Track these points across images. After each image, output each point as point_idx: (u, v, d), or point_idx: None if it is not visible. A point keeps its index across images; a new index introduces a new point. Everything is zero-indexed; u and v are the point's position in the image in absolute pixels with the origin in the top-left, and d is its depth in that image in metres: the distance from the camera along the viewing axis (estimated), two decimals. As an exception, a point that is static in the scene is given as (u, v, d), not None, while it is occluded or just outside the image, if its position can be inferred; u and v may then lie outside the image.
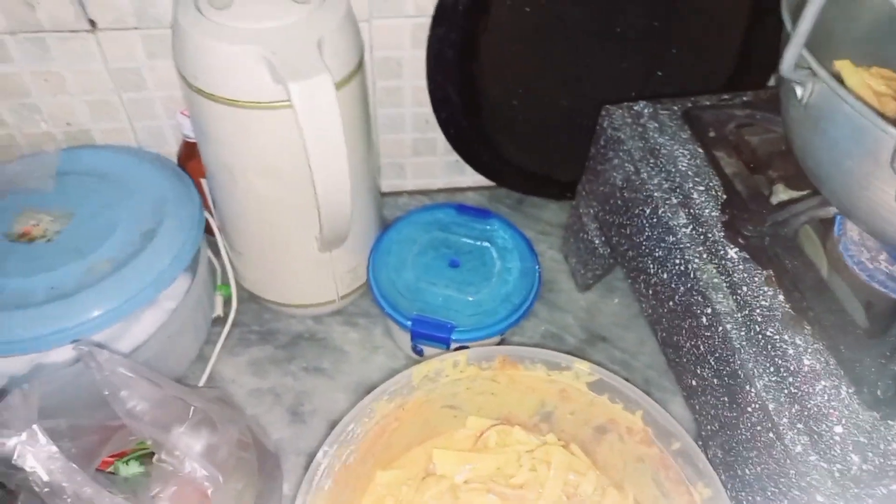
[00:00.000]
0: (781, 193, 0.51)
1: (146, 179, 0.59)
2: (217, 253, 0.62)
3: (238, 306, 0.62)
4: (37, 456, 0.31)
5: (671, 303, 0.47)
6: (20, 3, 0.54)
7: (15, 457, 0.31)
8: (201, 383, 0.57)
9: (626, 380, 0.44)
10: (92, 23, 0.56)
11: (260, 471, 0.42)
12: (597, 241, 0.61)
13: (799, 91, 0.36)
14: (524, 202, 0.76)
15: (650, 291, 0.50)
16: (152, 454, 0.44)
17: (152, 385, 0.38)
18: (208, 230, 0.59)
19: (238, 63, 0.44)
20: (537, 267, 0.60)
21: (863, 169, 0.34)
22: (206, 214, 0.60)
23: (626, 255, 0.54)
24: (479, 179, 0.74)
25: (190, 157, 0.63)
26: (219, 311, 0.62)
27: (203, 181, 0.63)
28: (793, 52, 0.34)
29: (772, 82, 0.70)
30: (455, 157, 0.71)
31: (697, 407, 0.45)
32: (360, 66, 0.50)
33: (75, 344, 0.40)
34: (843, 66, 0.49)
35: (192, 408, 0.37)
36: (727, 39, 0.66)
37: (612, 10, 0.61)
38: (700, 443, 0.45)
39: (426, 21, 0.60)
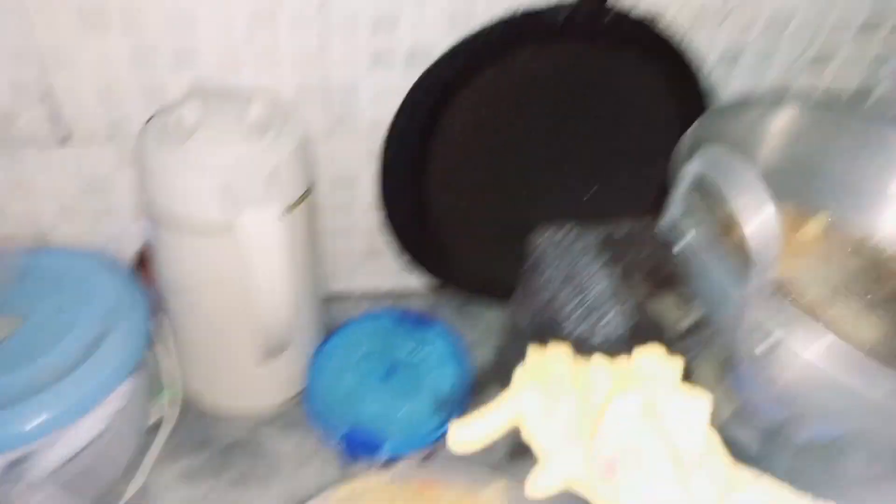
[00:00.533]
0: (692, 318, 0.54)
1: (100, 285, 0.61)
2: (160, 358, 0.63)
3: (177, 412, 0.63)
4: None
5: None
6: (-1, 116, 0.58)
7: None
8: (131, 492, 0.58)
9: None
10: (65, 137, 0.60)
11: None
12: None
13: (677, 245, 0.39)
14: (469, 304, 0.79)
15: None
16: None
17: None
18: (156, 334, 0.61)
19: (189, 191, 0.48)
20: (469, 379, 0.62)
21: (729, 318, 0.37)
22: (157, 318, 0.62)
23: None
24: (427, 282, 0.77)
25: (147, 262, 0.65)
26: (156, 417, 0.63)
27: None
28: (669, 218, 0.38)
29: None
30: (403, 261, 0.74)
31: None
32: (310, 189, 0.54)
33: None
34: (786, 217, 0.53)
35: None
36: (657, 164, 0.70)
37: (553, 134, 0.66)
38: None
39: (378, 142, 0.64)
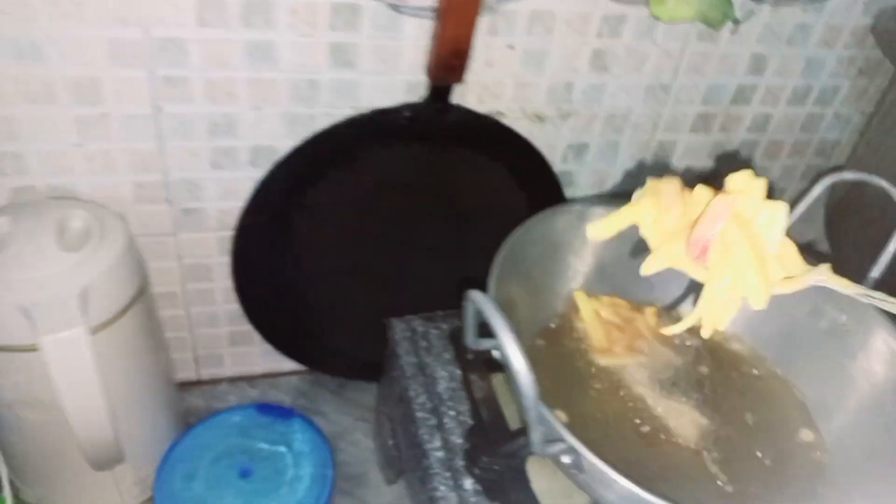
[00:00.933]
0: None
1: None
2: None
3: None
4: None
5: (430, 527, 0.49)
6: None
7: None
8: None
9: None
10: None
11: None
12: (390, 443, 0.63)
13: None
14: (346, 386, 0.78)
15: (419, 507, 0.52)
16: None
17: None
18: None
19: (-4, 311, 0.45)
20: (331, 472, 0.61)
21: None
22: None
23: (406, 465, 0.56)
24: (299, 366, 0.76)
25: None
26: (-3, 529, 0.59)
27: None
28: (468, 334, 0.39)
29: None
30: (272, 346, 0.73)
31: None
32: (137, 294, 0.52)
33: None
34: (578, 297, 0.56)
35: None
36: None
37: (407, 225, 0.67)
38: None
39: (229, 234, 0.64)
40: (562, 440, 0.35)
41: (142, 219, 0.61)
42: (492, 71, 0.59)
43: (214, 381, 0.76)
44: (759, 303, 0.42)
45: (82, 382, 0.45)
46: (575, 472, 0.37)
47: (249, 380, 0.77)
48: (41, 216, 0.51)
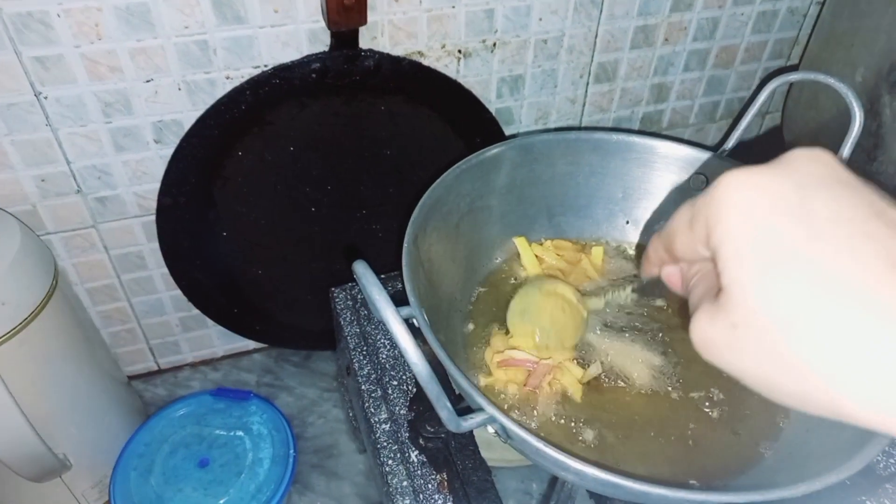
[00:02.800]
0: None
1: None
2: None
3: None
4: None
5: (384, 497, 0.47)
6: None
7: None
8: None
9: None
10: None
11: None
12: (351, 414, 0.61)
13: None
14: (311, 357, 0.76)
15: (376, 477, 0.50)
16: None
17: None
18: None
19: None
20: (292, 452, 0.59)
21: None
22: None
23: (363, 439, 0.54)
24: (257, 342, 0.74)
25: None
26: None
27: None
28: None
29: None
30: (224, 327, 0.70)
31: None
32: (51, 289, 0.49)
33: None
34: (519, 243, 0.52)
35: None
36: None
37: (343, 185, 0.63)
38: None
39: (153, 217, 0.60)
40: (481, 410, 0.32)
41: (56, 214, 0.57)
42: (399, 7, 0.54)
43: (175, 369, 0.74)
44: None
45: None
46: (506, 439, 0.34)
47: (211, 363, 0.75)
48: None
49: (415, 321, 0.38)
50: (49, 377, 0.50)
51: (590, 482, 0.32)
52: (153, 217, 0.60)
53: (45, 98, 0.50)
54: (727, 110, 0.75)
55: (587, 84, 0.66)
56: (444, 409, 0.31)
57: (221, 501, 0.55)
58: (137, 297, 0.66)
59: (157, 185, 0.58)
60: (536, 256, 0.51)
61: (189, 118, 0.55)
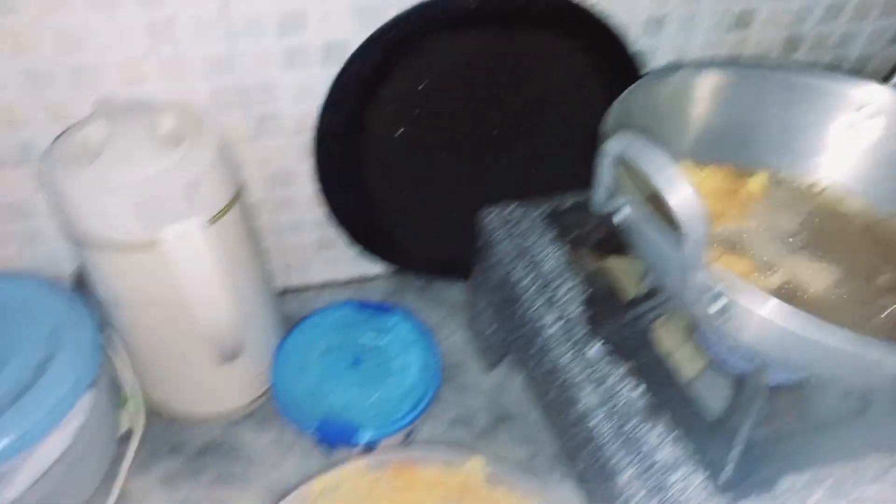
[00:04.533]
0: (632, 288, 0.55)
1: (41, 306, 0.59)
2: (119, 369, 0.62)
3: (145, 420, 0.62)
4: None
5: (550, 395, 0.50)
6: None
7: None
8: (113, 502, 0.57)
9: (531, 460, 0.46)
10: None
11: None
12: (490, 329, 0.64)
13: (615, 218, 0.40)
14: (431, 285, 0.79)
15: (534, 383, 0.54)
16: None
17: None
18: (111, 345, 0.60)
19: (110, 211, 0.46)
20: (437, 359, 0.62)
21: (676, 283, 0.38)
22: (109, 332, 0.60)
23: (513, 345, 0.57)
24: (385, 267, 0.77)
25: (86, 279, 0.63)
26: (125, 426, 0.62)
27: (103, 302, 0.63)
28: (600, 196, 0.39)
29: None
30: (356, 251, 0.73)
31: (587, 493, 0.48)
32: (238, 193, 0.53)
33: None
34: (686, 167, 0.54)
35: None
36: (590, 136, 0.71)
37: (482, 118, 0.66)
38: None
39: (309, 137, 0.63)
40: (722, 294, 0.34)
41: (220, 127, 0.60)
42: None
43: (303, 289, 0.78)
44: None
45: (203, 272, 0.46)
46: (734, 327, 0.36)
47: (337, 285, 0.79)
48: (132, 120, 0.51)
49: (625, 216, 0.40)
50: (232, 266, 0.54)
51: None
52: (309, 136, 0.63)
53: (230, 11, 0.53)
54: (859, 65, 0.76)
55: (726, 30, 0.67)
56: (699, 275, 0.33)
57: (373, 397, 0.59)
58: (280, 216, 0.70)
59: (317, 104, 0.61)
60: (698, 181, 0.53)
61: (356, 40, 0.57)
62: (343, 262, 0.77)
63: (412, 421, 0.58)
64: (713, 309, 0.36)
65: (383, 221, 0.71)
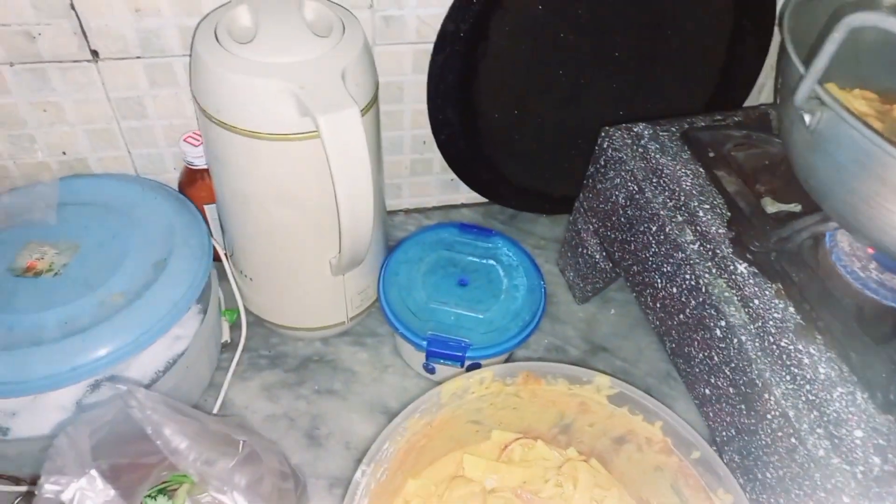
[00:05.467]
0: (770, 206, 0.54)
1: (150, 208, 0.59)
2: (222, 278, 0.62)
3: (245, 331, 0.61)
4: (95, 501, 0.31)
5: (682, 316, 0.49)
6: (20, 34, 0.53)
7: (74, 502, 0.31)
8: (215, 411, 0.57)
9: None
10: (94, 53, 0.56)
11: (298, 500, 0.42)
12: (597, 256, 0.63)
13: (808, 118, 0.39)
14: (517, 217, 0.78)
15: (658, 305, 0.53)
16: (176, 488, 0.44)
17: (192, 420, 0.38)
18: (214, 256, 0.59)
19: (264, 97, 0.44)
20: (543, 283, 0.61)
21: (870, 190, 0.37)
22: (212, 240, 0.60)
23: (630, 269, 0.56)
24: (472, 196, 0.76)
25: (191, 183, 0.62)
26: (226, 336, 0.62)
27: (206, 207, 0.62)
28: (808, 85, 0.37)
29: (749, 101, 0.74)
30: (450, 175, 0.72)
31: (711, 414, 0.48)
32: (377, 94, 0.51)
33: (112, 383, 0.40)
34: (830, 90, 0.52)
35: (241, 441, 0.38)
36: (709, 60, 0.69)
37: (603, 34, 0.64)
38: (715, 448, 0.47)
39: (427, 47, 0.61)
40: None
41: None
42: None
43: (392, 212, 0.77)
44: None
45: (355, 165, 0.44)
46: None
47: (424, 211, 0.78)
48: (277, 7, 0.50)
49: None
50: (373, 167, 0.52)
51: None
52: (426, 46, 0.61)
53: None
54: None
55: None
56: None
57: (483, 317, 0.58)
58: (384, 132, 0.68)
59: (442, 11, 0.59)
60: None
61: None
62: (433, 188, 0.76)
63: (522, 341, 0.58)
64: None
65: (484, 146, 0.69)
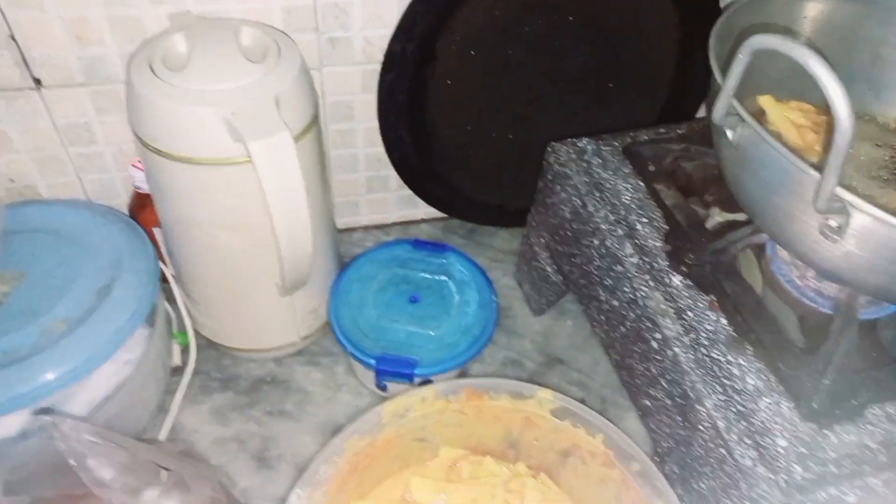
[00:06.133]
0: (717, 216, 0.55)
1: (99, 233, 0.58)
2: (172, 301, 0.62)
3: (195, 354, 0.61)
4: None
5: (623, 328, 0.50)
6: (-39, 65, 0.54)
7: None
8: (163, 436, 0.57)
9: (583, 401, 0.46)
10: (37, 81, 0.56)
11: (235, 525, 0.42)
12: (549, 269, 0.63)
13: (730, 134, 0.39)
14: (476, 231, 0.79)
15: (602, 317, 0.53)
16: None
17: (119, 449, 0.38)
18: (163, 279, 0.59)
19: (197, 123, 0.45)
20: (495, 298, 0.62)
21: (789, 204, 0.38)
22: (160, 264, 0.60)
23: (577, 282, 0.57)
24: (431, 211, 0.76)
25: (142, 207, 0.62)
26: (177, 360, 0.62)
27: (156, 231, 0.62)
28: (723, 103, 0.38)
29: (701, 112, 0.75)
30: (408, 191, 0.73)
31: (652, 425, 0.48)
32: (315, 117, 0.52)
33: (37, 414, 0.39)
34: (766, 102, 0.53)
35: (164, 472, 0.37)
36: (660, 73, 0.70)
37: (553, 53, 0.64)
38: (656, 459, 0.48)
39: (376, 67, 0.62)
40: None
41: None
42: None
43: (349, 230, 0.77)
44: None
45: (290, 189, 0.45)
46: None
47: (383, 227, 0.78)
48: (211, 35, 0.50)
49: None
50: (312, 190, 0.53)
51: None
52: (374, 67, 0.62)
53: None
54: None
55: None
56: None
57: (433, 333, 0.58)
58: (336, 151, 0.69)
59: (388, 32, 0.60)
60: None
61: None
62: (390, 204, 0.76)
63: (472, 357, 0.58)
64: (834, 223, 0.35)
65: (438, 163, 0.70)
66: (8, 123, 0.58)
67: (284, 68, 0.48)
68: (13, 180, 0.62)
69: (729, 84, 0.37)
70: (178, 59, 0.48)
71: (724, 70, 0.42)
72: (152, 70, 0.47)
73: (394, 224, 0.78)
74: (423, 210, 0.77)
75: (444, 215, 0.77)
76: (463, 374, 0.62)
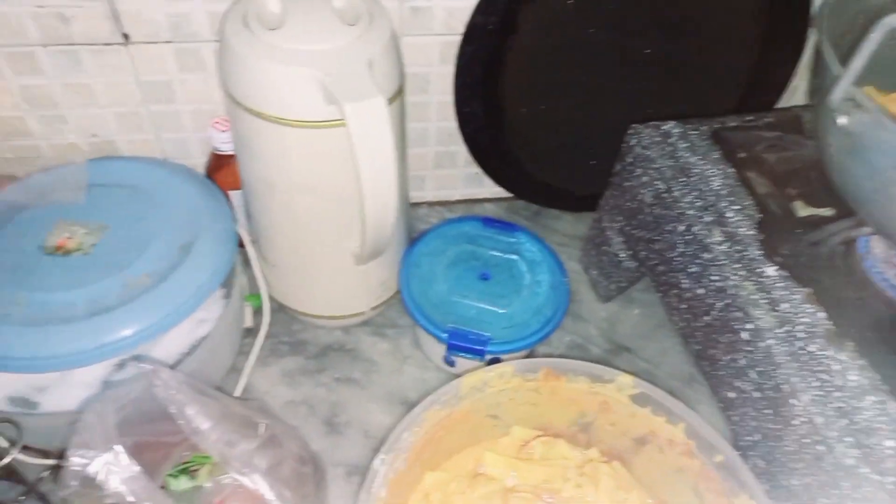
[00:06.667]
0: (801, 210, 0.53)
1: (178, 192, 0.59)
2: (247, 264, 0.62)
3: (269, 318, 0.62)
4: (121, 476, 0.31)
5: (707, 317, 0.49)
6: (54, 16, 0.54)
7: (99, 477, 0.31)
8: (237, 394, 0.58)
9: None
10: (125, 36, 0.56)
11: (317, 485, 0.42)
12: (622, 255, 0.62)
13: (842, 121, 0.38)
14: (541, 214, 0.78)
15: (683, 305, 0.52)
16: (198, 468, 0.44)
17: (214, 401, 0.39)
18: (239, 242, 0.60)
19: (291, 84, 0.45)
20: (566, 280, 0.61)
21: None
22: (237, 226, 0.60)
23: (655, 269, 0.56)
24: (496, 191, 0.75)
25: (218, 169, 0.63)
26: (249, 322, 0.62)
27: (232, 193, 0.63)
28: (843, 87, 0.36)
29: (782, 103, 0.72)
30: (475, 169, 0.72)
31: (736, 418, 0.47)
32: (403, 84, 0.51)
33: (137, 362, 0.40)
34: (870, 94, 0.51)
35: (262, 424, 0.38)
36: (740, 61, 0.68)
37: (631, 33, 0.63)
38: (739, 453, 0.47)
39: (455, 39, 0.61)
40: None
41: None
42: None
43: (415, 205, 0.77)
44: None
45: (381, 154, 0.44)
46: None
47: (447, 204, 0.78)
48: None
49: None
50: (398, 157, 0.52)
51: None
52: (453, 38, 0.61)
53: None
54: None
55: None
56: None
57: (504, 312, 0.58)
58: (409, 123, 0.68)
59: (469, 3, 0.59)
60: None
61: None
62: (457, 181, 0.76)
63: (543, 338, 0.57)
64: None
65: (509, 141, 0.69)
66: (94, 77, 0.59)
67: (377, 33, 0.48)
68: (95, 135, 0.63)
69: (855, 65, 0.36)
70: (273, 17, 0.48)
71: (836, 52, 0.40)
72: (247, 27, 0.47)
73: (458, 202, 0.78)
74: (489, 189, 0.76)
75: (509, 195, 0.76)
76: (531, 355, 0.61)
